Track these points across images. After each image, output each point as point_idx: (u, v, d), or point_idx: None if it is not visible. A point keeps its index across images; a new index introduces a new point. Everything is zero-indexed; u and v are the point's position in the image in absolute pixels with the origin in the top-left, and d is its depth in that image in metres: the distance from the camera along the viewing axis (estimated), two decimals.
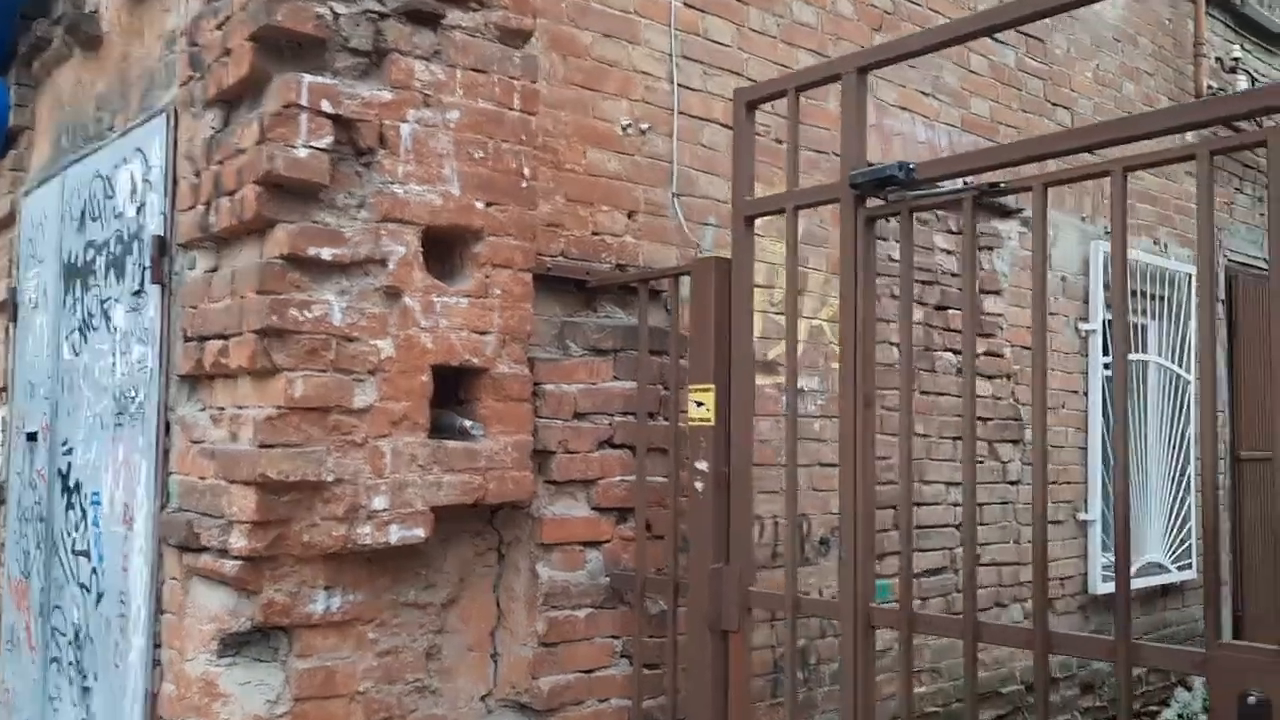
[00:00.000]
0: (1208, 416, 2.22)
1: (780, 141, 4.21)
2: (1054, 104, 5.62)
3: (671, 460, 3.24)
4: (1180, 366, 6.36)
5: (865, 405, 2.76)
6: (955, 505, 4.97)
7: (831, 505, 4.39)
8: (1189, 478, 6.36)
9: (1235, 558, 6.88)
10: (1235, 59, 6.86)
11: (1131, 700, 2.49)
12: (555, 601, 3.32)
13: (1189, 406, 6.38)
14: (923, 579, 4.78)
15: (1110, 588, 5.73)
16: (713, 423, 3.06)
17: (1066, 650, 2.51)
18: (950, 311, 4.98)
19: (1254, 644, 2.13)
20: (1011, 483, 5.25)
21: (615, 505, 3.49)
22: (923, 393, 4.83)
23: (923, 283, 4.87)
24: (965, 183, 2.59)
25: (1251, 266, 7.16)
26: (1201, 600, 6.87)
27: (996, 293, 5.21)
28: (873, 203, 2.79)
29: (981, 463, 5.11)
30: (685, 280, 3.30)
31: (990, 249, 5.22)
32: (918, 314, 4.83)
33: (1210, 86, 6.65)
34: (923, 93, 4.91)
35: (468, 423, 3.05)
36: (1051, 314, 5.55)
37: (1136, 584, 5.92)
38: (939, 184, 2.73)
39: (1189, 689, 6.39)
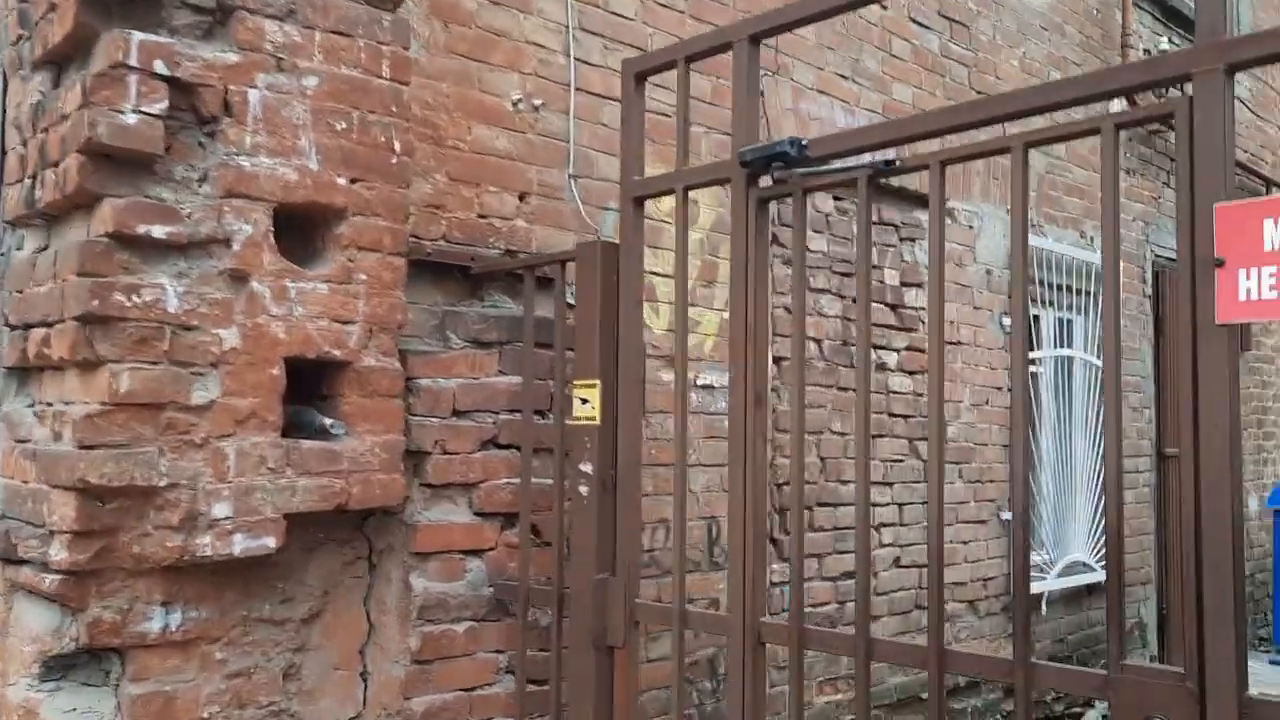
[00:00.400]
0: (1112, 410, 2.02)
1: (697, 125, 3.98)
2: (979, 91, 5.45)
3: (556, 462, 2.99)
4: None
5: (756, 404, 2.53)
6: (874, 506, 4.79)
7: None
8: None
9: (1160, 556, 6.81)
10: (1163, 51, 6.77)
11: None
12: (431, 615, 3.05)
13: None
14: (840, 582, 4.59)
15: (1035, 589, 5.60)
16: (598, 422, 2.82)
17: (963, 670, 2.31)
18: (874, 305, 4.78)
19: (1160, 666, 1.93)
20: None
21: (500, 510, 3.23)
22: (841, 389, 4.63)
23: (844, 275, 4.67)
24: (885, 162, 2.36)
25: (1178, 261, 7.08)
26: (1129, 599, 6.82)
27: (919, 285, 5.04)
28: (767, 184, 2.56)
29: (902, 461, 4.93)
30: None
31: (912, 240, 5.04)
32: (837, 307, 4.63)
33: None
34: (842, 76, 4.72)
35: (328, 421, 2.77)
36: (975, 308, 5.40)
37: (1060, 584, 5.80)
38: (840, 163, 2.51)
39: None
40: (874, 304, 4.81)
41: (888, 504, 4.86)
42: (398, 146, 2.93)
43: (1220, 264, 1.82)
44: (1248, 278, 1.79)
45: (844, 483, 4.63)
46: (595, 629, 2.76)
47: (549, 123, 3.56)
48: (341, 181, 2.80)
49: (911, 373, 4.98)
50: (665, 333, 3.91)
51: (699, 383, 4.04)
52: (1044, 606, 5.76)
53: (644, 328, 3.75)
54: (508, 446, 3.24)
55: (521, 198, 3.47)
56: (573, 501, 2.88)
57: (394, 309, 2.90)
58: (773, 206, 2.87)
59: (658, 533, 3.88)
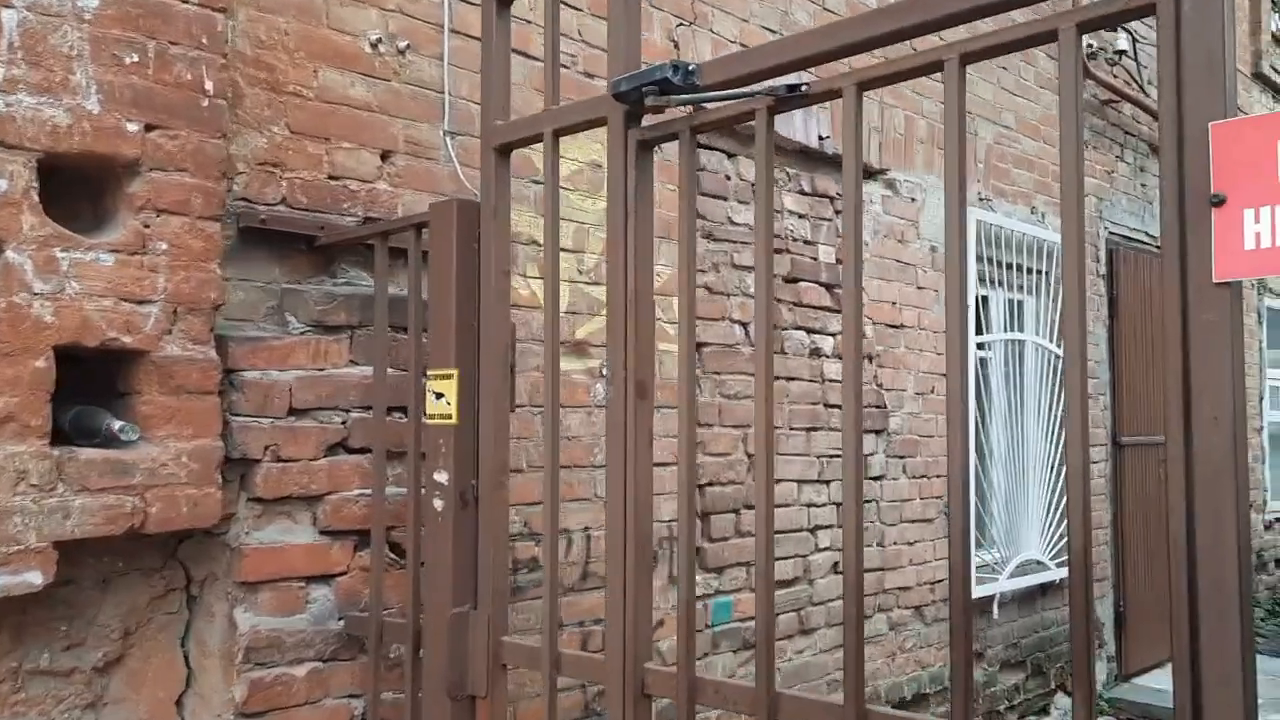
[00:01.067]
0: (1076, 396, 1.56)
1: (592, 75, 3.48)
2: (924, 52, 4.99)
3: (410, 470, 2.48)
4: (1059, 346, 5.85)
5: (639, 395, 2.04)
6: (810, 506, 4.33)
7: (660, 512, 3.70)
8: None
9: (1116, 550, 6.44)
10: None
11: None
12: (262, 656, 2.53)
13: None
14: (776, 591, 4.12)
15: (986, 590, 5.18)
16: (455, 421, 2.31)
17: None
18: (802, 285, 4.32)
19: None
20: (875, 478, 4.63)
21: (354, 527, 2.71)
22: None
23: (775, 251, 4.18)
24: (789, 87, 1.86)
25: (1133, 240, 6.72)
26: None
27: None
28: (652, 123, 2.07)
29: (839, 456, 4.47)
30: None
31: None
32: None
33: (1089, 45, 6.16)
34: (769, 29, 4.23)
35: (117, 424, 2.23)
36: (919, 288, 4.95)
37: (1013, 585, 5.39)
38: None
39: (1069, 693, 5.91)
40: (808, 284, 4.34)
41: (825, 504, 4.40)
42: (210, 86, 2.39)
43: (1218, 202, 1.35)
44: (1256, 219, 1.33)
45: (777, 481, 4.14)
46: (450, 676, 2.26)
47: (418, 69, 3.04)
48: (132, 128, 2.26)
49: None
50: (565, 315, 3.41)
51: (604, 372, 3.53)
52: (995, 609, 5.34)
53: (534, 307, 3.25)
54: (362, 450, 2.72)
55: (384, 157, 2.95)
56: (428, 517, 2.37)
57: (206, 285, 2.37)
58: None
59: (574, 544, 3.38)
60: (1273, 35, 8.75)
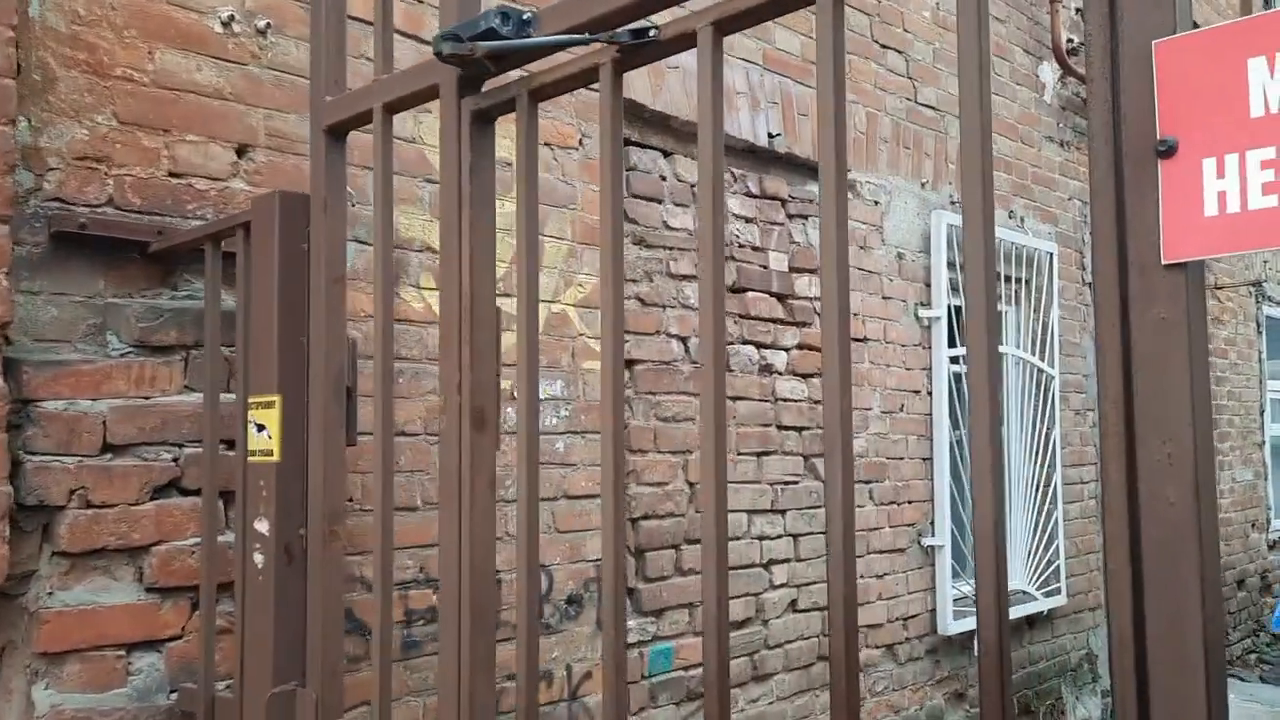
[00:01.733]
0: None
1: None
2: (884, 45, 4.63)
3: (237, 515, 2.08)
4: (1043, 360, 5.46)
5: (476, 426, 1.64)
6: (761, 539, 3.92)
7: (585, 549, 3.30)
8: (1055, 488, 5.46)
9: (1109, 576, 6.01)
10: None
11: None
12: None
13: (1054, 405, 5.48)
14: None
15: (966, 625, 4.76)
16: (276, 457, 1.91)
17: None
18: (750, 295, 3.93)
19: None
20: None
21: (189, 582, 2.31)
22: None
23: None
24: (634, 33, 1.47)
25: None
26: (1076, 627, 6.05)
27: (812, 271, 4.19)
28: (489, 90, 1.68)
29: (796, 483, 4.08)
30: None
31: (804, 218, 4.20)
32: None
33: (1070, 40, 5.79)
34: None
35: None
36: (886, 298, 4.56)
37: None
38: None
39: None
40: (758, 294, 3.96)
41: (779, 536, 3.99)
42: None
43: (1166, 151, 0.97)
44: (1219, 172, 0.94)
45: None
46: None
47: (283, 51, 2.66)
48: None
49: (806, 376, 4.12)
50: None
51: (515, 395, 3.14)
52: (977, 646, 4.91)
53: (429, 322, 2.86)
54: (199, 492, 2.33)
55: (241, 151, 2.57)
56: (248, 573, 1.97)
57: None
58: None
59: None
60: None
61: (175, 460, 2.30)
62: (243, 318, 2.10)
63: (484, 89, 1.70)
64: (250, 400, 1.97)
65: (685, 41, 1.40)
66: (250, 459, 1.97)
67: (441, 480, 1.66)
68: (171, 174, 2.44)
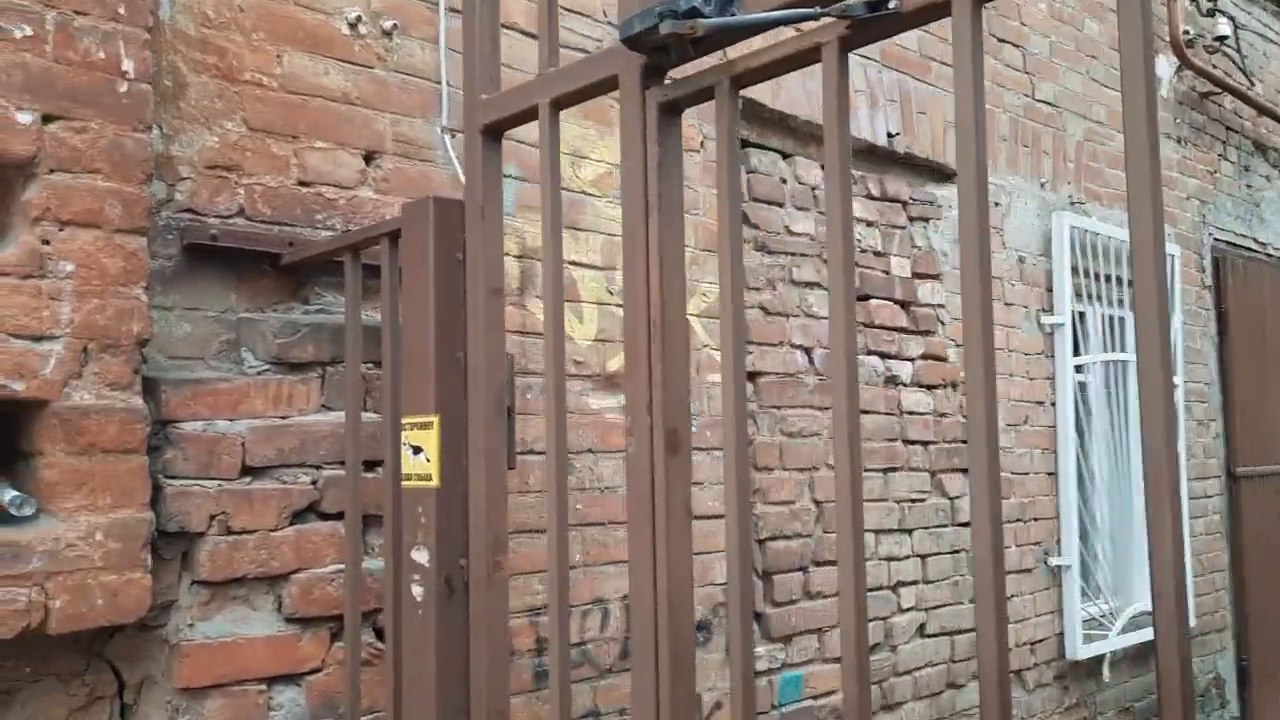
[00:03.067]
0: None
1: None
2: (1000, 39, 4.42)
3: (387, 543, 1.95)
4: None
5: (670, 449, 1.49)
6: (889, 560, 3.72)
7: (713, 572, 3.14)
8: (1181, 503, 5.15)
9: (1235, 595, 5.70)
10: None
11: None
12: None
13: (1179, 416, 5.19)
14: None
15: (1095, 650, 4.50)
16: (435, 482, 1.77)
17: None
18: (873, 303, 3.74)
19: None
20: (964, 524, 4.01)
21: (330, 611, 2.19)
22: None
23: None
24: (870, 4, 1.31)
25: (1240, 246, 6.02)
26: (1203, 650, 5.71)
27: (935, 277, 3.98)
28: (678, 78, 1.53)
29: (923, 500, 3.87)
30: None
31: (925, 220, 4.00)
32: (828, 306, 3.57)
33: (1186, 31, 5.51)
34: None
35: (7, 495, 1.74)
36: (1008, 304, 4.34)
37: (1123, 642, 4.70)
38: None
39: None
40: (881, 301, 3.76)
41: (907, 556, 3.79)
42: (130, 68, 1.91)
43: None
44: None
45: None
46: None
47: (408, 54, 2.54)
48: (24, 119, 1.79)
49: (931, 387, 3.92)
50: (592, 344, 2.88)
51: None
52: (1106, 670, 4.66)
53: (528, 334, 2.73)
54: (339, 516, 2.20)
55: (368, 158, 2.45)
56: (405, 607, 1.83)
57: (127, 316, 1.88)
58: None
59: (590, 618, 2.83)
60: None
61: (314, 483, 2.18)
62: (389, 333, 1.97)
63: (666, 80, 1.54)
64: (404, 420, 1.83)
65: (932, 13, 1.23)
66: (405, 483, 1.83)
67: (631, 505, 1.51)
68: (301, 182, 2.33)
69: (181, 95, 2.16)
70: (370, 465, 2.19)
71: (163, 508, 1.96)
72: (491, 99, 1.79)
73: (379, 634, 2.25)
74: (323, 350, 2.23)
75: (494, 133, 1.80)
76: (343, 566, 2.17)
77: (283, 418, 2.15)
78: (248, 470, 2.09)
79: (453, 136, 2.60)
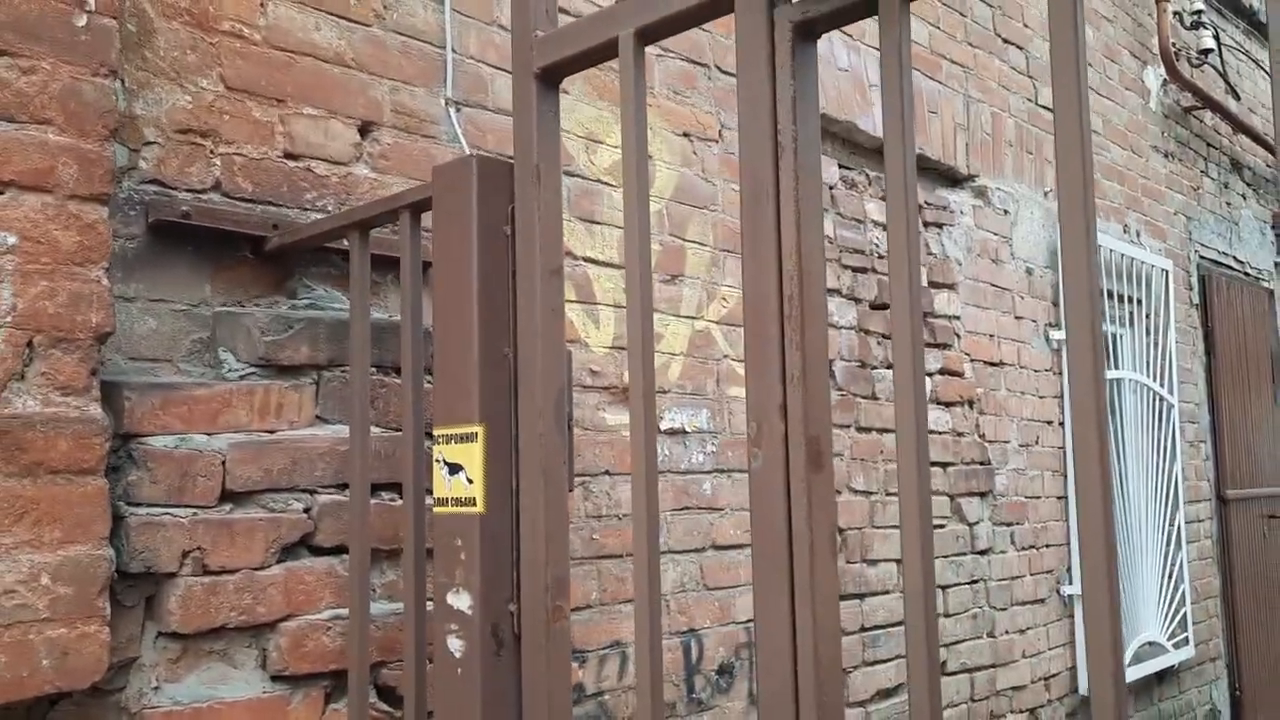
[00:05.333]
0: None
1: None
2: (1005, 40, 4.21)
3: (408, 583, 1.58)
4: (1162, 385, 5.00)
5: (812, 465, 1.16)
6: None
7: (735, 608, 2.81)
8: (1179, 527, 4.98)
9: (1228, 623, 5.53)
10: (1197, 11, 5.63)
11: None
12: None
13: (1175, 437, 5.01)
14: (873, 705, 3.21)
15: None
16: (480, 508, 1.42)
17: None
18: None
19: None
20: (981, 552, 3.74)
21: (325, 668, 1.80)
22: (862, 430, 3.28)
23: (858, 270, 3.34)
24: None
25: (1223, 265, 5.91)
26: (1200, 680, 5.52)
27: (950, 287, 3.73)
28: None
29: (943, 527, 3.59)
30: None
31: (939, 226, 3.74)
32: (851, 314, 3.29)
33: (1173, 44, 5.39)
34: None
35: None
36: (1018, 318, 4.11)
37: (1130, 674, 4.47)
38: None
39: None
40: None
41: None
42: (93, 2, 1.54)
43: None
44: None
45: (872, 563, 3.26)
46: None
47: (409, 12, 2.20)
48: None
49: (949, 404, 3.65)
50: (609, 351, 2.54)
51: (662, 426, 2.66)
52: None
53: (571, 341, 2.42)
54: (335, 550, 1.82)
55: (364, 130, 2.10)
56: (439, 664, 1.47)
57: (84, 303, 1.50)
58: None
59: (608, 664, 2.47)
60: None
61: (307, 511, 1.80)
62: (410, 326, 1.61)
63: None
64: (439, 433, 1.47)
65: None
66: (439, 509, 1.47)
67: (759, 537, 1.18)
68: (287, 155, 1.96)
69: (147, 43, 1.79)
70: (376, 489, 1.82)
71: (125, 543, 1.57)
72: (549, 36, 1.46)
73: (381, 692, 1.88)
74: (318, 351, 1.86)
75: (552, 77, 1.47)
76: (340, 612, 1.79)
77: (270, 432, 1.77)
78: (228, 496, 1.70)
79: (458, 110, 2.26)
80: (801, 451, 1.16)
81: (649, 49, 1.41)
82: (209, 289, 1.83)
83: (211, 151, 1.85)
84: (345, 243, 1.79)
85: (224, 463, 1.70)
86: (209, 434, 1.69)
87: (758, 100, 1.20)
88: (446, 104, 2.24)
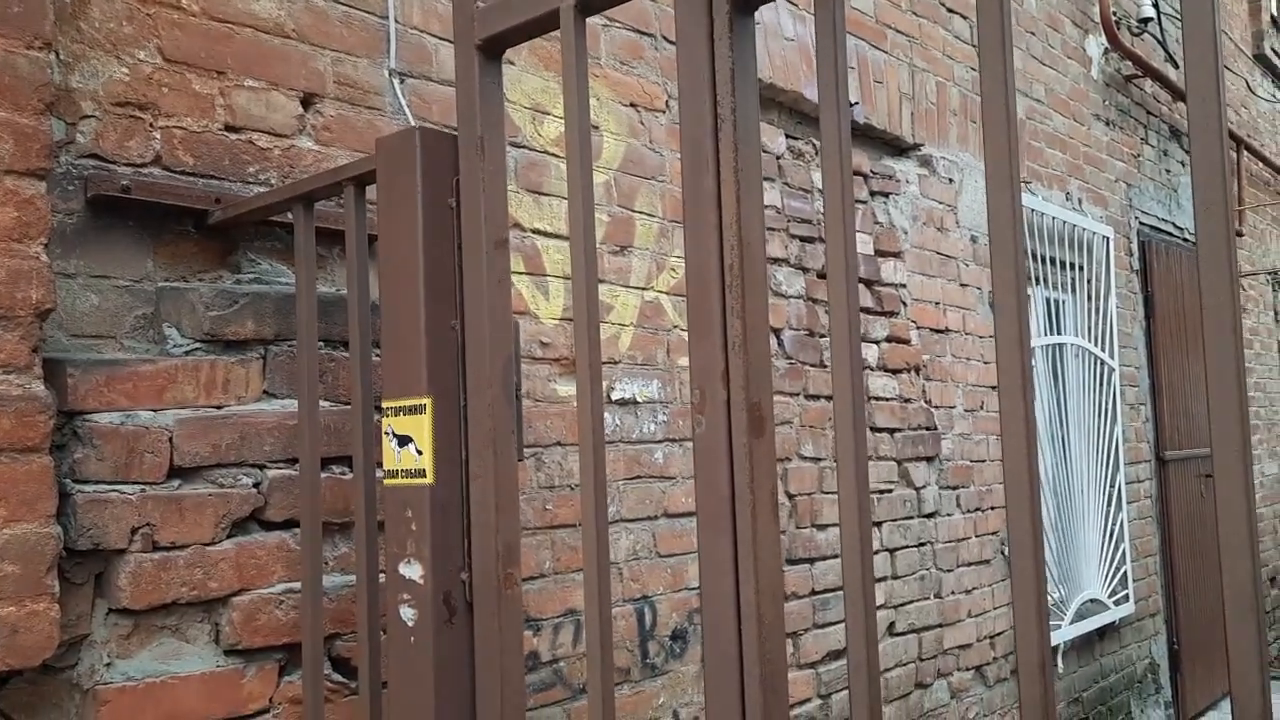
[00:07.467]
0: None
1: None
2: (949, 9, 4.26)
3: (360, 557, 1.59)
4: (1103, 350, 5.12)
5: (753, 430, 1.19)
6: None
7: (688, 576, 2.85)
8: (1119, 488, 5.12)
9: (1166, 580, 5.70)
10: None
11: None
12: None
13: (1115, 400, 5.14)
14: (824, 666, 3.28)
15: (1056, 641, 4.38)
16: (429, 479, 1.43)
17: None
18: None
19: None
20: (928, 515, 3.82)
21: (278, 640, 1.82)
22: (810, 397, 3.33)
23: (805, 239, 3.38)
24: None
25: (1163, 231, 6.04)
26: (1140, 636, 5.70)
27: (897, 255, 3.78)
28: None
29: (890, 492, 3.66)
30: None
31: (885, 195, 3.79)
32: (799, 284, 3.33)
33: (1113, 13, 5.47)
34: None
35: None
36: (963, 285, 4.18)
37: (1072, 631, 4.60)
38: None
39: None
40: None
41: (877, 551, 3.57)
42: None
43: None
44: None
45: (822, 528, 3.32)
46: None
47: None
48: None
49: (896, 371, 3.71)
50: (559, 323, 2.56)
51: (613, 396, 2.69)
52: (1059, 661, 4.55)
53: (520, 313, 2.43)
54: (286, 525, 1.83)
55: (306, 102, 2.08)
56: (392, 634, 1.49)
57: (23, 279, 1.49)
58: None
59: (562, 632, 2.51)
60: (1272, 17, 8.22)
61: (256, 486, 1.80)
62: (356, 301, 1.62)
63: None
64: (387, 405, 1.48)
65: None
66: (389, 481, 1.48)
67: (703, 501, 1.21)
68: (228, 127, 1.94)
69: (82, 14, 1.76)
70: (326, 463, 1.82)
71: (72, 520, 1.57)
72: (490, 6, 1.46)
73: (335, 664, 1.89)
74: (264, 326, 1.85)
75: (494, 48, 1.47)
76: (293, 586, 1.80)
77: (218, 407, 1.77)
78: (176, 471, 1.70)
79: (402, 81, 2.25)
80: (744, 417, 1.19)
81: (593, 19, 1.42)
82: (151, 264, 1.81)
83: (151, 125, 1.83)
84: (289, 216, 1.78)
85: (171, 439, 1.69)
86: (155, 410, 1.69)
87: (697, 73, 1.22)
88: (390, 75, 2.23)
